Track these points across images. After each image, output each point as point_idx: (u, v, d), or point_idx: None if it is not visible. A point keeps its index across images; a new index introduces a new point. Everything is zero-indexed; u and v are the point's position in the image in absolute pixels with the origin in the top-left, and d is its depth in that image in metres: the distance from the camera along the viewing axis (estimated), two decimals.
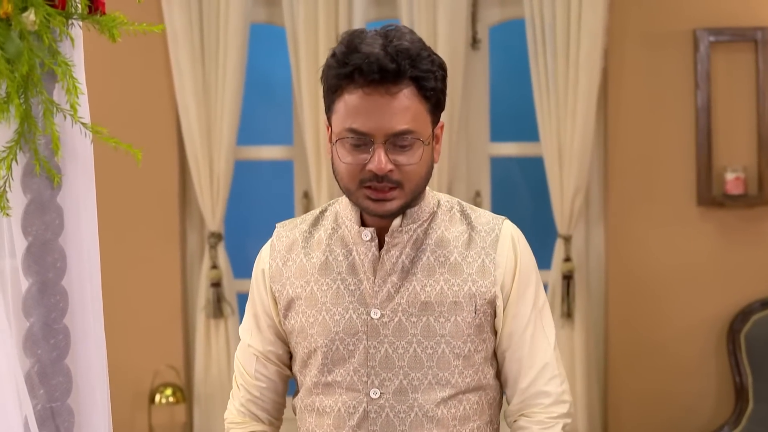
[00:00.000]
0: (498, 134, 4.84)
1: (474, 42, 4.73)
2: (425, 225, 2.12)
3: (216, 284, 4.72)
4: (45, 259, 1.62)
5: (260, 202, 5.38)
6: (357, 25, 4.59)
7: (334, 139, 2.03)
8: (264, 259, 2.23)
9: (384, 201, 2.03)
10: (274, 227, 2.25)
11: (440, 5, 4.54)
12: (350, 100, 1.99)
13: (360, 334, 2.09)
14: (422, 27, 4.55)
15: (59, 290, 1.64)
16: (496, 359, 2.18)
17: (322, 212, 2.21)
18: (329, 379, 2.11)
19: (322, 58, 4.53)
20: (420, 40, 2.02)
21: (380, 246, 2.10)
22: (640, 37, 4.66)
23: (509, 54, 4.96)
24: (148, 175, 4.40)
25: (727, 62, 4.65)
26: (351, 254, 2.12)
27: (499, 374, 2.19)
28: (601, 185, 4.73)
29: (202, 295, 4.74)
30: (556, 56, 4.49)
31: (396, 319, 2.08)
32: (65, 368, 1.65)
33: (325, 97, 2.06)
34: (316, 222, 2.20)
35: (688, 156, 4.67)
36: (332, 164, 2.07)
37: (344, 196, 2.15)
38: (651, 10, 4.66)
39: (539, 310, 2.17)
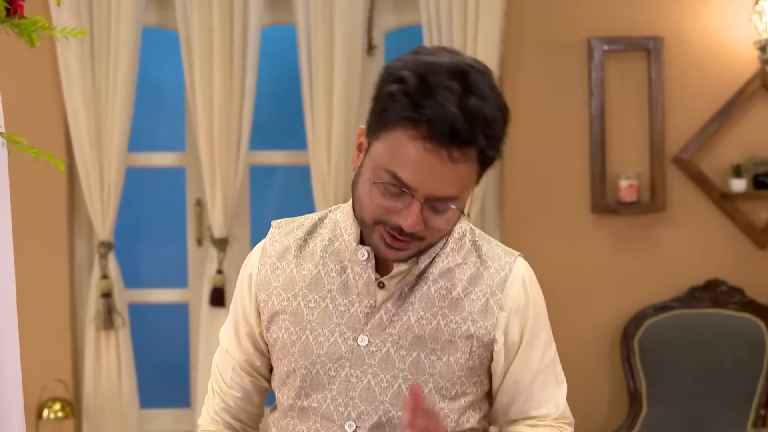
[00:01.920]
0: None
1: (370, 48, 4.69)
2: (434, 254, 1.93)
3: (106, 295, 4.59)
4: None
5: (152, 210, 5.27)
6: (252, 30, 4.52)
7: (369, 175, 1.80)
8: (253, 262, 2.02)
9: (397, 250, 1.83)
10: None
11: (337, 11, 4.49)
12: (406, 145, 1.75)
13: (343, 360, 1.91)
14: (319, 33, 4.50)
15: None
16: (488, 403, 2.01)
17: (321, 219, 2.01)
18: (305, 403, 1.95)
19: (217, 62, 4.47)
20: (496, 94, 1.77)
21: (377, 266, 1.91)
22: (536, 44, 4.69)
23: None
24: (34, 182, 4.25)
25: (621, 71, 4.70)
26: (345, 272, 1.93)
27: (486, 416, 2.01)
28: (497, 193, 4.73)
29: (92, 306, 4.60)
30: None
31: (384, 350, 1.91)
32: None
33: (376, 113, 1.80)
34: (313, 229, 2.00)
35: (583, 163, 4.70)
36: (355, 184, 1.85)
37: (346, 204, 1.97)
38: (546, 18, 4.69)
39: (551, 358, 2.00)
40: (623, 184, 4.65)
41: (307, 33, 4.54)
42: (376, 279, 1.90)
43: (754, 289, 4.70)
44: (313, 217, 2.03)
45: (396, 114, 1.75)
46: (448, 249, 1.94)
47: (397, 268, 1.89)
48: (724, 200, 4.73)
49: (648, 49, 4.68)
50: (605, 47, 4.67)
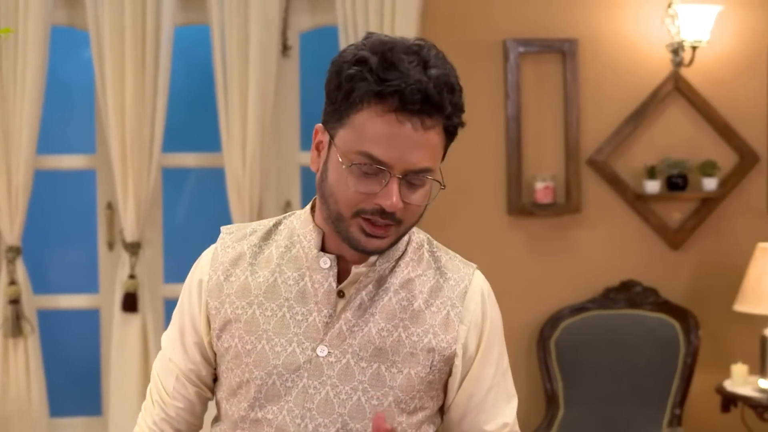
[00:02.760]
0: (308, 143, 4.76)
1: (285, 49, 4.64)
2: (393, 262, 1.90)
3: (14, 301, 4.48)
4: None
5: (61, 213, 5.16)
6: (165, 30, 4.45)
7: (342, 161, 1.77)
8: (203, 268, 1.95)
9: (378, 238, 1.80)
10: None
11: (251, 11, 4.44)
12: (375, 122, 1.75)
13: (301, 371, 1.86)
14: (233, 33, 4.44)
15: None
16: (440, 417, 1.99)
17: (276, 225, 1.96)
18: (259, 415, 1.88)
19: (128, 62, 4.38)
20: (451, 66, 1.79)
21: (338, 275, 1.87)
22: (452, 46, 4.58)
23: (321, 62, 4.89)
24: None
25: (536, 73, 4.72)
26: (303, 279, 1.88)
27: (438, 431, 1.99)
28: None
29: (0, 312, 4.48)
30: None
31: (344, 361, 1.86)
32: None
33: (334, 101, 1.79)
34: (267, 236, 1.95)
35: (499, 165, 4.71)
36: (323, 181, 1.82)
37: (302, 211, 1.94)
38: (462, 20, 4.68)
39: (503, 372, 1.99)
40: (539, 185, 4.67)
41: (221, 33, 4.48)
42: (337, 288, 1.87)
43: (668, 290, 4.75)
44: (266, 223, 1.98)
45: (362, 93, 1.75)
46: (407, 258, 1.92)
47: (356, 270, 1.86)
48: (638, 202, 4.77)
49: (563, 51, 4.71)
50: (521, 49, 4.68)
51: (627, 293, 4.71)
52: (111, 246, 4.69)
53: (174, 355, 1.98)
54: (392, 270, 1.90)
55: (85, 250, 4.86)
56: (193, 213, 5.25)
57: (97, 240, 4.72)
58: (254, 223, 2.00)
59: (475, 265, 1.98)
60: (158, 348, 4.58)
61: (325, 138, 1.83)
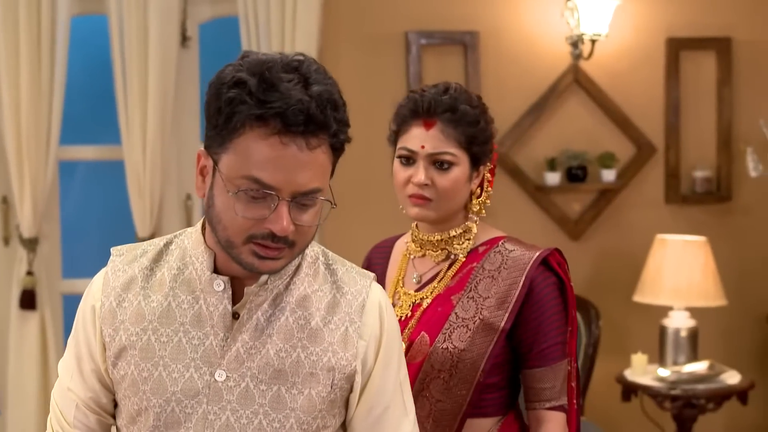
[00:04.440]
0: None
1: (184, 39, 4.58)
2: (287, 279, 1.86)
3: None
4: None
5: None
6: (61, 19, 4.35)
7: (227, 187, 1.72)
8: (95, 294, 1.89)
9: (272, 259, 1.76)
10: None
11: (150, 1, 4.37)
12: (259, 145, 1.69)
13: (200, 396, 1.82)
14: (132, 23, 4.37)
15: None
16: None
17: (167, 245, 1.91)
18: None
19: (23, 54, 4.29)
20: (333, 81, 1.77)
21: (232, 297, 1.84)
22: (354, 38, 4.66)
23: (221, 53, 4.84)
24: None
25: (438, 64, 4.72)
26: (198, 302, 1.84)
27: None
28: None
29: None
30: None
31: (243, 385, 1.82)
32: None
33: (216, 125, 1.73)
34: (159, 257, 1.89)
35: None
36: (209, 207, 1.77)
37: (193, 229, 1.89)
38: (364, 11, 4.67)
39: (400, 383, 1.94)
40: None
41: (119, 23, 4.40)
42: (232, 310, 1.83)
43: None
44: (156, 243, 1.93)
45: (242, 117, 1.69)
46: (302, 274, 1.88)
47: (248, 290, 1.82)
48: (538, 193, 4.81)
49: (464, 43, 4.72)
50: (423, 41, 4.68)
51: None
52: (6, 241, 4.57)
53: (72, 384, 1.93)
54: (287, 287, 1.86)
55: None
56: (91, 207, 5.15)
57: None
58: (144, 244, 1.94)
59: (372, 275, 1.95)
60: (58, 346, 4.49)
61: (209, 163, 1.77)
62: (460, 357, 2.30)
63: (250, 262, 1.76)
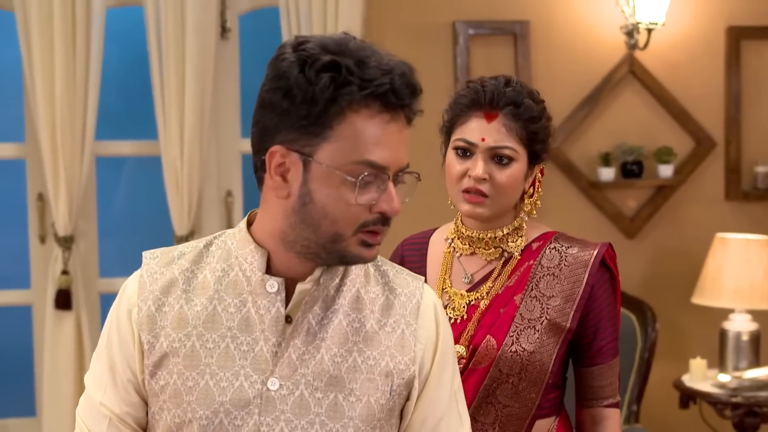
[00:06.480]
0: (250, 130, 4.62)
1: (223, 31, 4.49)
2: (338, 279, 1.76)
3: None
4: None
5: None
6: (97, 11, 4.28)
7: (344, 177, 1.64)
8: (130, 298, 1.77)
9: (377, 246, 1.71)
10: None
11: None
12: (367, 126, 1.64)
13: (251, 407, 1.70)
14: (169, 15, 4.29)
15: None
16: None
17: (206, 247, 1.80)
18: None
19: (58, 46, 4.24)
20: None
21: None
22: (399, 28, 4.58)
23: (262, 45, 4.73)
24: None
25: (487, 55, 4.62)
26: (245, 306, 1.73)
27: None
28: None
29: None
30: None
31: (297, 393, 1.71)
32: None
33: (306, 116, 1.63)
34: (198, 259, 1.79)
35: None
36: (304, 206, 1.67)
37: (236, 230, 1.79)
38: (410, 1, 4.57)
39: (455, 391, 1.84)
40: None
41: (156, 14, 4.31)
42: (285, 313, 1.72)
43: (623, 280, 4.56)
44: (194, 245, 1.81)
45: (347, 100, 1.63)
46: (352, 275, 1.78)
47: (301, 287, 1.72)
48: (592, 189, 4.72)
49: (514, 34, 4.63)
50: (471, 31, 4.59)
51: None
52: (43, 239, 4.50)
53: (105, 398, 1.78)
54: (338, 289, 1.75)
55: (15, 243, 4.69)
56: (129, 204, 5.10)
57: (28, 233, 4.53)
58: (181, 246, 1.83)
59: (422, 278, 1.85)
60: (94, 347, 4.37)
61: (292, 159, 1.65)
62: (530, 359, 2.26)
63: (358, 253, 1.70)
